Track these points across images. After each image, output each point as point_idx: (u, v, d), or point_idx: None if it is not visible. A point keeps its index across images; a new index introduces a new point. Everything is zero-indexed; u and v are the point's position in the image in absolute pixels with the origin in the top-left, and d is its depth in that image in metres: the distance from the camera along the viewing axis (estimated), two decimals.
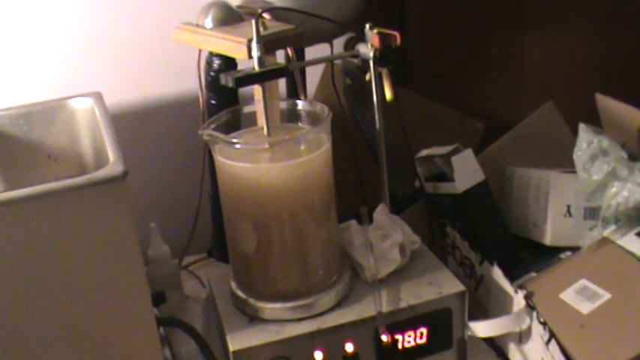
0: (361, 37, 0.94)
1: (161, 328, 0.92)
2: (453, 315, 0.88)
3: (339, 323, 0.84)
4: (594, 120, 1.15)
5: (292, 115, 0.90)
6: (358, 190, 1.12)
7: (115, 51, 1.17)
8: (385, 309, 0.85)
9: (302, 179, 0.82)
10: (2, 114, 0.94)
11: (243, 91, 0.90)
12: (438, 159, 1.09)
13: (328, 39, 1.05)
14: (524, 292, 0.90)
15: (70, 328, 0.73)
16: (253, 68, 0.83)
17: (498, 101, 1.40)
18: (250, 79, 0.83)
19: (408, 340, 0.87)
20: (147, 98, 1.22)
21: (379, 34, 0.91)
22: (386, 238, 0.92)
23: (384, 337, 0.85)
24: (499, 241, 1.08)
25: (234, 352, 0.81)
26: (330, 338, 0.84)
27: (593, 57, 1.42)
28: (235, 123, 0.89)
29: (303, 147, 0.84)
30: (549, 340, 0.86)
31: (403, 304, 0.86)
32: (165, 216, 1.16)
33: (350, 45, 0.97)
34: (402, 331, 0.87)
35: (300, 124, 0.90)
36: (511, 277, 0.94)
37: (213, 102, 1.02)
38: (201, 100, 1.03)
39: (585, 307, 0.87)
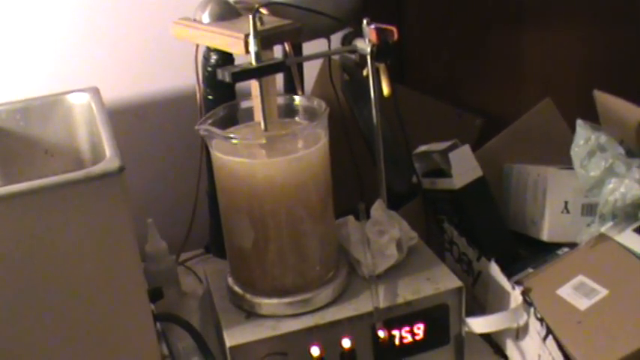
0: (359, 33, 0.94)
1: (158, 324, 0.92)
2: (450, 311, 0.88)
3: (336, 319, 0.84)
4: (593, 116, 1.14)
5: (289, 111, 0.90)
6: (356, 186, 1.12)
7: (113, 46, 1.17)
8: (382, 305, 0.85)
9: (299, 174, 0.82)
10: None
11: (240, 86, 0.90)
12: (435, 155, 1.09)
13: (326, 34, 1.05)
14: (522, 288, 0.90)
15: (66, 324, 0.73)
16: (250, 63, 0.83)
17: (497, 97, 1.40)
18: (247, 74, 0.83)
19: (405, 335, 0.87)
20: (144, 93, 1.22)
21: (376, 29, 0.91)
22: (383, 233, 0.92)
23: (381, 333, 0.85)
24: (497, 237, 1.07)
25: (231, 348, 0.81)
26: (327, 334, 0.84)
27: (592, 54, 1.42)
28: (232, 118, 0.89)
29: (300, 142, 0.84)
30: (546, 336, 0.86)
31: (400, 300, 0.86)
32: (163, 212, 1.16)
33: (347, 40, 0.97)
34: (399, 327, 0.87)
35: (297, 119, 0.90)
36: (508, 273, 0.94)
37: (210, 97, 1.02)
38: (198, 95, 1.03)
39: (582, 304, 0.87)
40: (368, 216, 0.95)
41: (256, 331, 0.83)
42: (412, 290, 0.88)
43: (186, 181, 1.14)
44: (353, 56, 1.00)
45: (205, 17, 0.94)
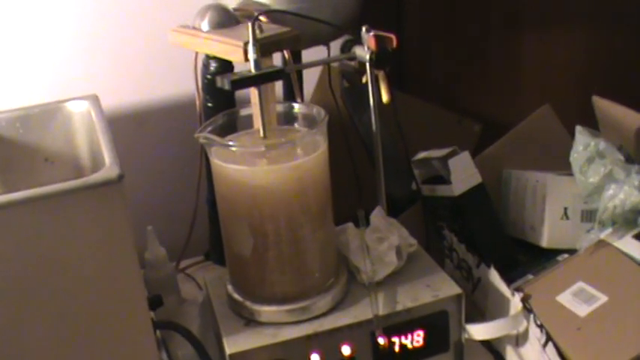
0: (358, 40, 0.94)
1: (158, 332, 0.92)
2: (449, 318, 0.88)
3: (335, 326, 0.84)
4: (592, 122, 1.15)
5: (289, 118, 0.90)
6: (355, 193, 1.12)
7: (112, 54, 1.17)
8: (382, 312, 0.85)
9: (298, 182, 0.82)
10: None
11: (239, 93, 0.90)
12: (435, 161, 1.09)
13: (325, 41, 1.05)
14: (521, 294, 0.90)
15: (66, 332, 0.73)
16: (249, 71, 0.83)
17: (496, 103, 1.40)
18: (246, 81, 0.83)
19: (405, 342, 0.87)
20: (143, 101, 1.22)
21: (376, 36, 0.92)
22: (383, 240, 0.92)
23: (381, 340, 0.85)
24: (496, 243, 1.07)
25: (231, 356, 0.81)
26: (326, 341, 0.84)
27: (590, 59, 1.42)
28: (232, 126, 0.89)
29: (299, 150, 0.84)
30: (546, 343, 0.86)
31: (400, 307, 0.86)
32: (163, 219, 1.16)
33: (346, 47, 0.97)
34: (399, 334, 0.87)
35: (296, 126, 0.90)
36: (508, 280, 0.94)
37: (209, 105, 1.02)
38: (197, 102, 1.03)
39: (582, 310, 0.87)
40: (367, 223, 0.95)
41: (256, 338, 0.83)
42: (412, 297, 0.88)
43: (185, 188, 1.14)
44: (352, 63, 1.00)
45: (204, 25, 0.94)
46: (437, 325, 0.88)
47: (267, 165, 0.83)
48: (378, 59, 0.92)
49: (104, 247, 0.72)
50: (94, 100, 0.94)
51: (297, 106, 0.90)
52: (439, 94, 1.40)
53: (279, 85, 0.94)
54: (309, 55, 1.05)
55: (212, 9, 0.94)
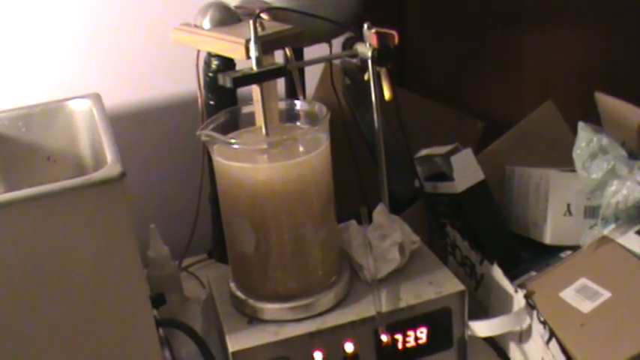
0: (360, 37, 0.94)
1: (161, 330, 0.92)
2: (452, 314, 0.88)
3: (338, 323, 0.84)
4: (594, 118, 1.14)
5: (291, 115, 0.90)
6: (358, 190, 1.12)
7: (114, 52, 1.17)
8: (385, 309, 0.85)
9: (300, 179, 0.82)
10: (1, 116, 0.94)
11: (241, 91, 0.90)
12: (437, 158, 1.09)
13: (327, 39, 1.05)
14: (525, 291, 0.90)
15: (68, 330, 0.73)
16: (251, 68, 0.83)
17: (498, 100, 1.40)
18: (248, 79, 0.83)
19: (408, 340, 0.87)
20: (146, 99, 1.22)
21: (377, 33, 0.91)
22: (385, 238, 0.91)
23: (384, 337, 0.85)
24: (499, 240, 1.07)
25: (234, 353, 0.81)
26: (329, 338, 0.84)
27: (593, 55, 1.42)
28: (234, 123, 0.89)
29: (301, 147, 0.84)
30: (549, 340, 0.86)
31: (403, 304, 0.86)
32: (166, 217, 1.16)
33: (348, 45, 0.97)
34: (402, 331, 0.86)
35: (298, 124, 0.90)
36: (511, 277, 0.94)
37: (211, 102, 1.02)
38: (199, 100, 1.03)
39: (585, 306, 0.87)
40: (370, 220, 0.95)
41: (259, 336, 0.83)
42: (415, 294, 0.88)
43: (188, 186, 1.14)
44: (354, 60, 1.00)
45: (206, 23, 0.94)
46: (440, 322, 0.88)
47: (269, 162, 0.83)
48: (380, 56, 0.92)
49: (107, 246, 0.72)
50: (96, 98, 0.94)
51: (299, 104, 0.90)
52: (441, 91, 1.40)
53: (281, 83, 0.94)
54: (310, 52, 1.05)
55: (213, 7, 0.94)
